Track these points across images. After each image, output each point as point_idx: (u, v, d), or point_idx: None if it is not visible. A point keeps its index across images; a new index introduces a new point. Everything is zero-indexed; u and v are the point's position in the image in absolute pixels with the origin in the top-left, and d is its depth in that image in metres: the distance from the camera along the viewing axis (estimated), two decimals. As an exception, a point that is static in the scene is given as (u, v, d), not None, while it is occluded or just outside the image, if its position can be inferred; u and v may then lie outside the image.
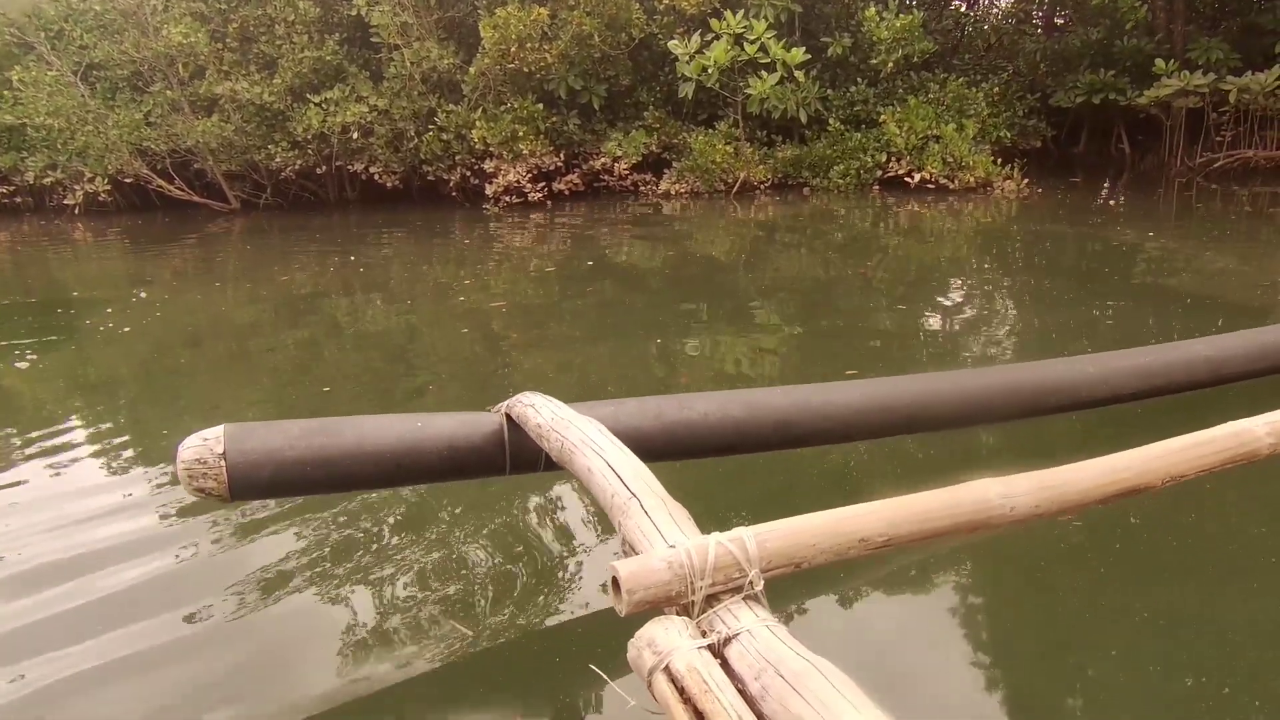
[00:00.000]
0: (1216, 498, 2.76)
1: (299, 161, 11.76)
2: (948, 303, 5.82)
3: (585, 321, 5.54)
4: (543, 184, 11.54)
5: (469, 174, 11.76)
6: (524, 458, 2.29)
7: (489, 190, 11.44)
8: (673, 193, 11.47)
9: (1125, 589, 2.39)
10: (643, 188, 11.88)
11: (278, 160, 11.69)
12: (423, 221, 10.74)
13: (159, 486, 3.22)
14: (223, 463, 2.03)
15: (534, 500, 2.97)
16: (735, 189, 11.33)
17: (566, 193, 11.72)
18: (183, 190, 12.23)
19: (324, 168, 12.16)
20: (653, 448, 2.10)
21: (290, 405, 4.09)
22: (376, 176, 11.93)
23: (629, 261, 7.74)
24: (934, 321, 5.35)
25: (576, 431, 1.98)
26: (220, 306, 6.49)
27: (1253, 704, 1.95)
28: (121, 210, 13.02)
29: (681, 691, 1.25)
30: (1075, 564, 2.54)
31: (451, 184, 11.90)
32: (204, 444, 2.05)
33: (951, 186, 10.51)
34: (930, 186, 10.62)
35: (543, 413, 2.14)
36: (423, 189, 12.50)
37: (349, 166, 12.04)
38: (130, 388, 4.62)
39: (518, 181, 11.32)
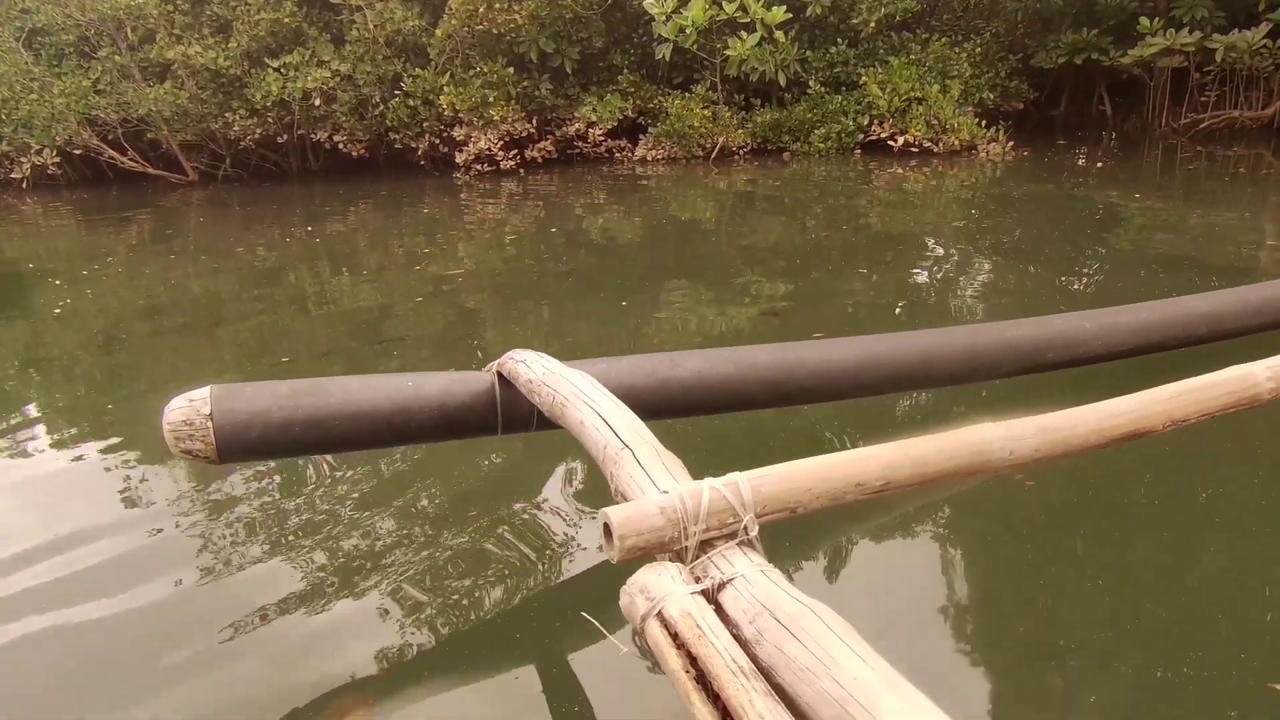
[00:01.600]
0: (1215, 446, 2.79)
1: (258, 130, 11.51)
2: (933, 267, 5.81)
3: (560, 291, 5.47)
4: (515, 151, 11.39)
5: (438, 142, 11.58)
6: (516, 417, 2.31)
7: (459, 158, 11.28)
8: (649, 159, 11.38)
9: (1121, 537, 2.42)
10: (618, 154, 11.76)
11: (236, 129, 11.43)
12: (391, 191, 10.58)
13: (111, 459, 3.15)
14: (209, 424, 2.03)
15: (525, 458, 2.98)
16: (713, 154, 11.26)
17: (539, 160, 11.58)
18: (136, 162, 11.94)
19: (285, 137, 11.92)
20: (645, 406, 2.10)
21: (253, 379, 3.97)
22: (341, 145, 11.71)
23: (605, 229, 7.66)
24: (919, 285, 5.34)
25: (568, 385, 1.97)
26: (178, 280, 6.34)
27: (1239, 646, 1.96)
28: (73, 184, 12.69)
29: (675, 637, 1.23)
30: (1072, 512, 2.56)
31: (420, 152, 11.71)
32: (190, 405, 2.05)
33: (936, 150, 10.50)
34: (914, 150, 10.61)
35: (534, 368, 2.15)
36: (390, 158, 12.30)
37: (312, 135, 11.81)
38: (84, 363, 4.50)
39: (489, 149, 11.17)
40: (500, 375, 2.30)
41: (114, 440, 3.36)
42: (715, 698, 1.16)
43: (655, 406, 2.33)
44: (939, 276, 5.50)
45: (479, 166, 11.26)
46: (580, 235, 7.42)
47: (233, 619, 2.18)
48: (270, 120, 11.44)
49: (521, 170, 11.34)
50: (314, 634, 2.14)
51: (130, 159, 11.87)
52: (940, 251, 6.16)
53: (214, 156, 12.36)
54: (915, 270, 5.66)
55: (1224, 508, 2.57)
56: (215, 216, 9.79)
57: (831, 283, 5.37)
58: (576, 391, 1.92)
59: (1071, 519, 2.53)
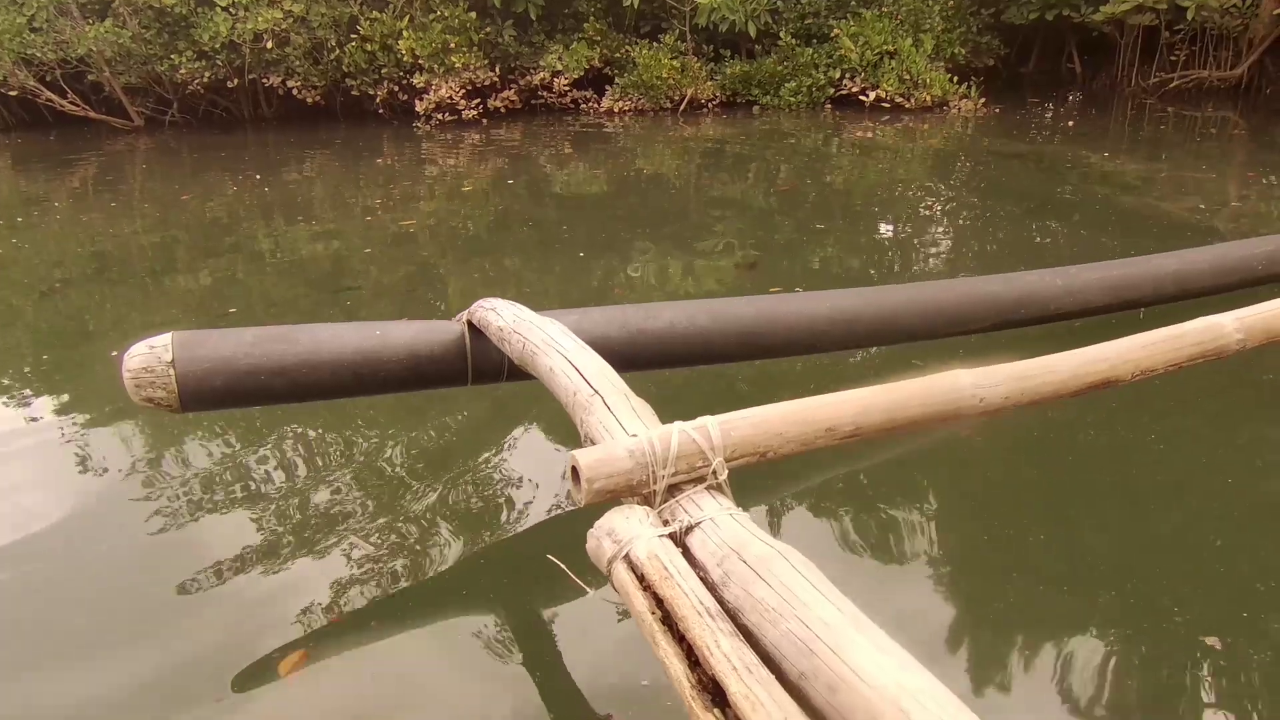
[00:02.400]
0: (1169, 401, 2.85)
1: (207, 74, 11.13)
2: (903, 224, 5.82)
3: (524, 245, 5.38)
4: (477, 101, 11.15)
5: (397, 89, 11.30)
6: (487, 367, 2.30)
7: (419, 107, 11.02)
8: (616, 110, 11.21)
9: (1077, 490, 2.47)
10: (584, 105, 11.58)
11: (183, 72, 11.03)
12: (348, 141, 10.31)
13: (48, 411, 3.07)
14: (171, 371, 2.00)
15: (495, 409, 2.99)
16: (682, 107, 11.12)
17: (503, 110, 11.36)
18: (77, 105, 11.48)
19: (236, 81, 11.54)
20: (618, 357, 2.09)
21: (198, 329, 3.87)
22: (295, 92, 11.38)
23: (570, 182, 7.56)
24: (888, 242, 5.35)
25: (539, 333, 1.96)
26: (125, 231, 6.14)
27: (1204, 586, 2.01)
28: (9, 128, 12.21)
29: (641, 579, 1.22)
30: (1041, 461, 2.62)
31: (378, 100, 11.42)
32: (150, 352, 2.01)
33: (907, 105, 10.47)
34: (885, 106, 10.57)
35: (504, 316, 2.13)
36: (347, 106, 11.97)
37: (264, 80, 11.45)
38: (22, 312, 4.35)
39: (450, 98, 10.92)
40: (470, 324, 2.28)
41: (52, 393, 3.26)
42: (681, 638, 1.15)
43: (629, 358, 2.32)
44: (908, 234, 5.51)
45: (440, 116, 11.01)
46: (544, 188, 7.31)
47: (183, 576, 2.14)
48: (219, 63, 11.06)
49: (484, 120, 11.12)
50: (270, 588, 2.11)
51: (70, 102, 11.42)
52: (910, 209, 6.16)
53: (160, 101, 11.94)
54: (884, 227, 5.66)
55: (1173, 462, 2.63)
56: (162, 164, 9.48)
57: (801, 239, 5.36)
58: (547, 339, 1.91)
59: (1033, 470, 2.59)
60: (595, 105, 11.47)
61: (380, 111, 11.58)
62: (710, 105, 11.35)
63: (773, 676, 1.07)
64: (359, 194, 7.22)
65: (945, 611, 2.00)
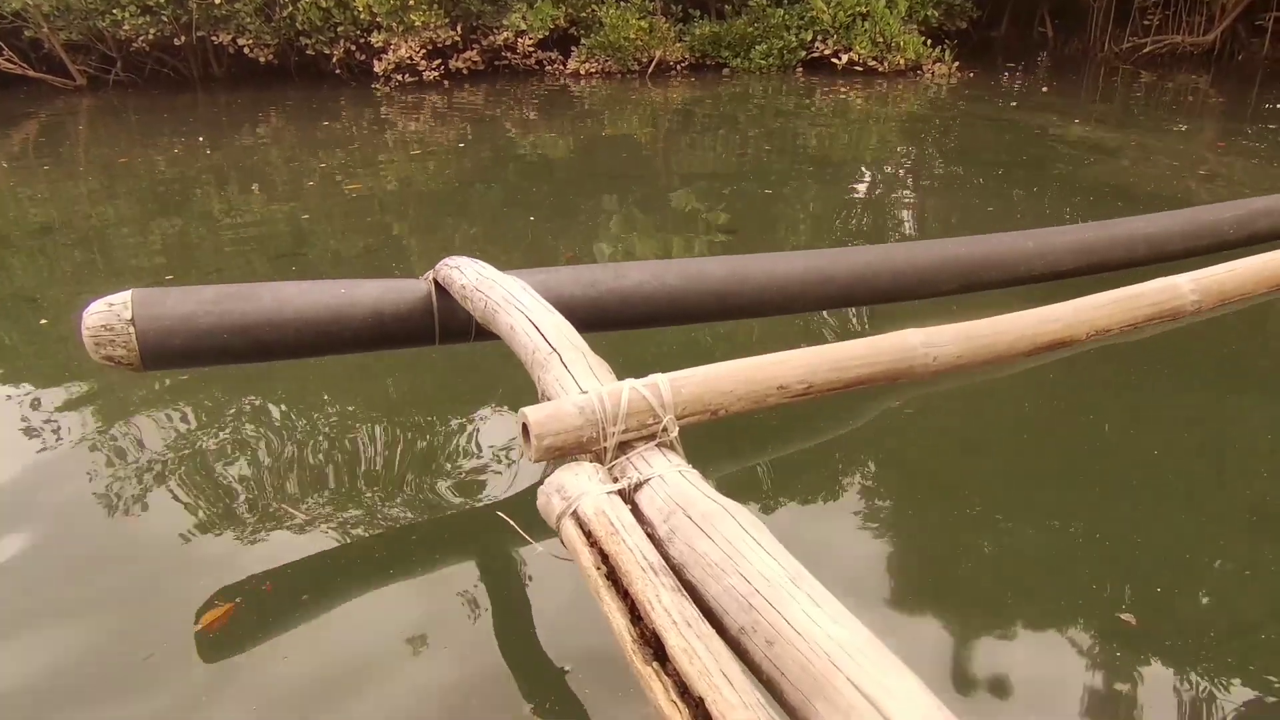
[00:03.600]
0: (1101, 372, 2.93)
1: (152, 30, 10.84)
2: (873, 190, 5.87)
3: (487, 211, 5.36)
4: (438, 62, 10.98)
5: (354, 49, 11.09)
6: (454, 326, 2.33)
7: (378, 68, 10.83)
8: (582, 73, 11.11)
9: (1039, 449, 2.56)
10: (549, 67, 11.46)
11: (126, 28, 10.73)
12: (303, 103, 10.12)
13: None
14: (131, 329, 2.01)
15: (458, 366, 3.04)
16: (650, 69, 11.05)
17: (465, 71, 11.21)
18: (14, 63, 11.14)
19: (183, 39, 11.25)
20: (586, 318, 2.14)
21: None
22: (247, 50, 11.12)
23: (535, 147, 7.50)
24: (858, 208, 5.39)
25: (500, 291, 2.00)
26: (69, 198, 6.01)
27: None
28: (-59, 87, 11.84)
29: (589, 535, 1.25)
30: (997, 422, 2.71)
31: (335, 60, 11.20)
32: (109, 309, 2.02)
33: (881, 69, 10.49)
34: (858, 69, 10.58)
35: (467, 274, 2.17)
36: (302, 65, 11.73)
37: (213, 38, 11.17)
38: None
39: (410, 58, 10.75)
40: (436, 283, 2.31)
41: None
42: (625, 593, 1.19)
43: (596, 317, 2.36)
44: (878, 200, 5.56)
45: (399, 77, 10.85)
46: (508, 152, 7.25)
47: (126, 541, 2.17)
48: (165, 19, 10.78)
49: (445, 82, 10.97)
50: (218, 548, 2.14)
51: (7, 60, 11.08)
52: (881, 175, 6.21)
53: (104, 59, 11.63)
54: (854, 193, 5.71)
55: (1101, 432, 2.70)
56: (110, 127, 9.26)
57: (771, 204, 5.38)
58: (508, 297, 1.95)
59: (1000, 427, 2.69)
60: (561, 67, 11.36)
61: (337, 72, 11.37)
62: (679, 68, 11.28)
63: (713, 631, 1.11)
64: (314, 158, 7.12)
65: (884, 567, 2.09)
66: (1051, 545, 2.13)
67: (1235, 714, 1.63)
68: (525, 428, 1.35)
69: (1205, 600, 1.95)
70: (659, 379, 1.45)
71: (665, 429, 1.43)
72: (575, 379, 1.51)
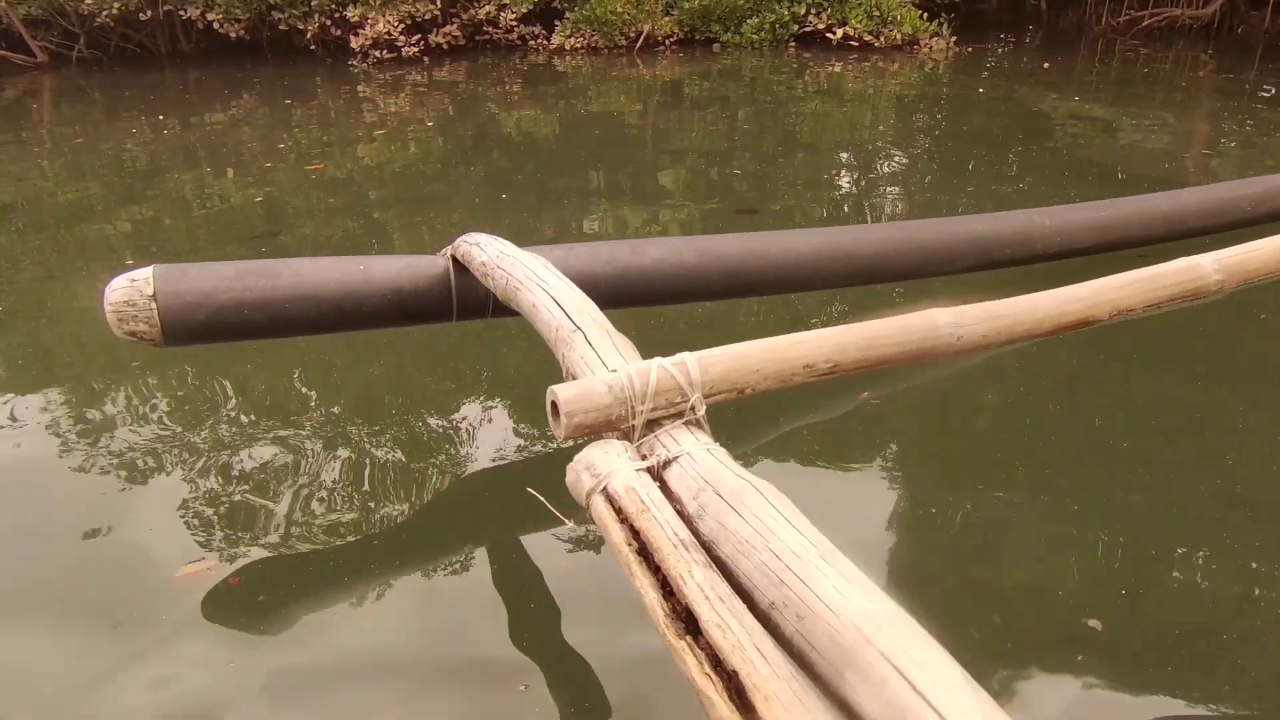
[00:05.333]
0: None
1: (116, 4, 10.70)
2: (870, 172, 5.89)
3: (471, 194, 5.34)
4: (418, 37, 10.91)
5: (329, 23, 10.99)
6: (471, 303, 2.39)
7: (354, 43, 10.74)
8: (567, 48, 11.07)
9: (1067, 428, 2.62)
10: (532, 42, 11.40)
11: (89, 2, 10.60)
12: (276, 81, 10.03)
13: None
14: (153, 304, 2.07)
15: (478, 344, 3.16)
16: (637, 45, 11.02)
17: (445, 47, 11.13)
18: (-29, 40, 11.00)
19: (149, 13, 11.12)
20: (603, 293, 2.18)
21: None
22: (217, 25, 11.00)
23: (519, 126, 7.48)
24: (856, 191, 5.41)
25: (521, 268, 2.02)
26: (34, 181, 5.94)
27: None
28: (-107, 65, 11.65)
29: (619, 512, 1.27)
30: (1020, 400, 2.78)
31: (309, 35, 11.10)
32: (131, 285, 2.08)
33: (876, 44, 10.50)
34: (853, 44, 10.59)
35: (488, 250, 2.19)
36: (275, 41, 11.61)
37: (181, 12, 11.05)
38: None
39: (388, 33, 10.66)
40: (454, 259, 2.35)
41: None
42: (656, 569, 1.21)
43: (614, 295, 2.40)
44: (871, 180, 5.59)
45: (377, 53, 10.76)
46: (491, 131, 7.23)
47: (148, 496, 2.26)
48: (130, -7, 10.65)
49: (426, 59, 10.89)
50: (249, 518, 2.23)
51: (-37, 36, 10.93)
52: (874, 154, 6.24)
53: (66, 35, 11.47)
54: (848, 173, 5.73)
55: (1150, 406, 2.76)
56: (75, 107, 9.14)
57: (761, 184, 5.39)
58: (530, 274, 1.97)
59: (1023, 404, 2.76)
60: (545, 43, 11.31)
61: (312, 48, 11.27)
62: (667, 43, 11.25)
63: (744, 606, 1.14)
64: (288, 138, 7.06)
65: (907, 544, 2.15)
66: (1087, 524, 2.17)
67: None
68: (554, 405, 1.37)
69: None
70: (687, 357, 1.47)
71: (693, 407, 1.45)
72: (600, 357, 1.54)
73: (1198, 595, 1.98)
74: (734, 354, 1.54)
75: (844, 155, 6.17)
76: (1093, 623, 1.87)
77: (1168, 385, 2.87)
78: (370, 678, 1.75)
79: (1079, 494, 2.31)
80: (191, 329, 2.14)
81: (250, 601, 1.96)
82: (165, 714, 1.67)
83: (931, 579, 2.03)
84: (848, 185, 5.42)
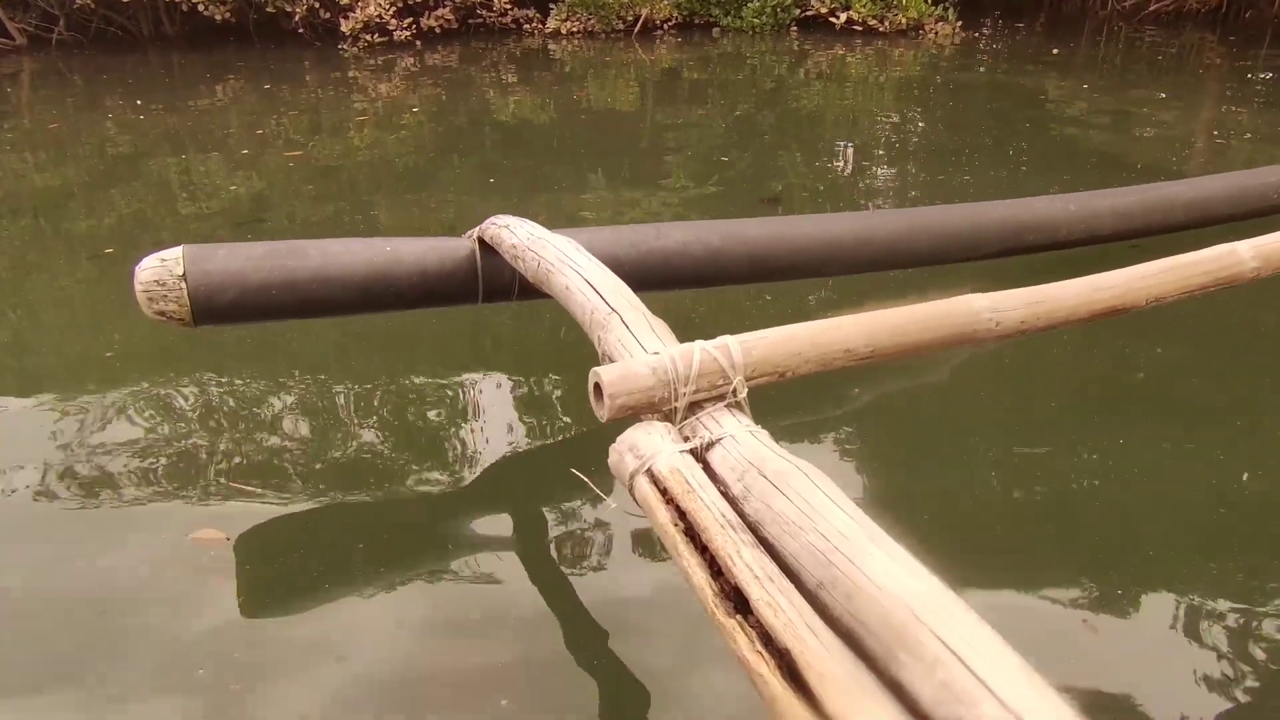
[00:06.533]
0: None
1: (98, -14, 10.62)
2: (869, 157, 5.90)
3: (464, 182, 5.31)
4: (410, 20, 10.86)
5: (318, 5, 10.92)
6: (497, 286, 2.45)
7: (344, 27, 10.68)
8: (563, 32, 11.03)
9: (1108, 407, 2.70)
10: (527, 26, 11.37)
11: (70, -16, 10.51)
12: (263, 65, 9.97)
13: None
14: (183, 284, 2.13)
15: (505, 328, 3.26)
16: (635, 29, 11.00)
17: (438, 31, 11.08)
18: (-54, 21, 10.89)
19: (132, -5, 11.04)
20: (626, 277, 2.19)
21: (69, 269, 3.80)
22: (201, 7, 10.92)
23: (514, 112, 7.45)
24: (851, 175, 5.42)
25: (553, 250, 2.03)
26: (13, 168, 5.89)
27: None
28: None
29: (664, 493, 1.29)
30: (1057, 382, 2.86)
31: (297, 18, 11.03)
32: (162, 265, 2.13)
33: (881, 29, 10.50)
34: (857, 29, 10.58)
35: (518, 233, 2.22)
36: (262, 24, 11.54)
37: (164, -6, 10.98)
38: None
39: (379, 16, 10.61)
40: (481, 241, 2.40)
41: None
42: (703, 549, 1.23)
43: (638, 278, 2.43)
44: (873, 169, 5.60)
45: (368, 37, 10.71)
46: (485, 118, 7.20)
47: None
48: (112, -26, 10.56)
49: (418, 43, 10.84)
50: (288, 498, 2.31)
51: (-62, 18, 10.83)
52: (877, 141, 6.24)
53: (45, 17, 11.37)
54: (850, 160, 5.73)
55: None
56: (55, 92, 9.05)
57: (762, 174, 5.39)
58: (562, 256, 1.98)
59: (1060, 386, 2.84)
60: (539, 26, 11.27)
61: (300, 32, 11.19)
62: (666, 27, 11.23)
63: (793, 586, 1.16)
64: (283, 126, 7.01)
65: (948, 528, 2.20)
66: (1137, 507, 2.22)
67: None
68: (598, 387, 1.38)
69: None
70: (729, 340, 1.48)
71: (734, 390, 1.45)
72: (638, 339, 1.54)
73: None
74: (776, 337, 1.54)
75: (844, 141, 6.16)
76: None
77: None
78: (408, 654, 1.80)
79: (1141, 477, 2.35)
80: (220, 309, 2.19)
81: (282, 576, 2.02)
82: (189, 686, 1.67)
83: (971, 565, 2.05)
84: (847, 173, 5.42)
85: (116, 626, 1.86)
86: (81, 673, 1.74)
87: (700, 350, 1.43)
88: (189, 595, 1.95)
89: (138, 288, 2.14)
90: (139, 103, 7.79)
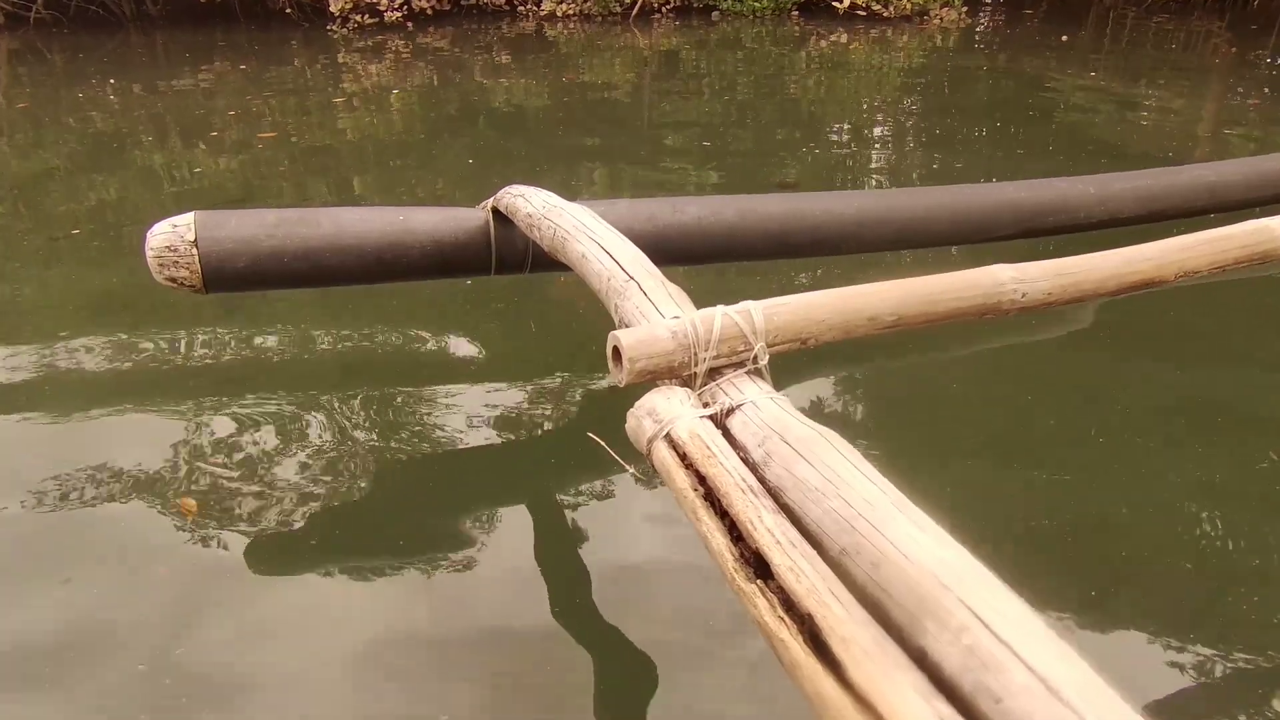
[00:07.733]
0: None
1: (77, -37, 10.53)
2: (870, 143, 5.88)
3: (459, 167, 5.26)
4: (401, 1, 10.79)
5: (306, -15, 10.86)
6: (511, 257, 2.46)
7: (333, 7, 10.62)
8: (558, 14, 10.98)
9: (1130, 384, 2.71)
10: (521, 8, 11.31)
11: (49, -39, 10.41)
12: (249, 47, 9.89)
13: None
14: (195, 250, 2.13)
15: (518, 298, 3.26)
16: (633, 12, 10.95)
17: (429, 12, 11.02)
18: (-80, -1, 10.78)
19: (112, -27, 10.95)
20: (643, 250, 2.13)
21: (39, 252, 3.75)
22: (184, -14, 10.85)
23: (508, 96, 7.40)
24: (852, 162, 5.39)
25: (570, 219, 2.03)
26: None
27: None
28: None
29: (683, 458, 1.27)
30: (1084, 357, 2.87)
31: (283, -2, 10.97)
32: (173, 230, 2.14)
33: (885, 14, 10.47)
34: (860, 13, 10.55)
35: (534, 202, 2.22)
36: (247, 5, 11.45)
37: (146, -28, 10.88)
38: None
39: (369, -4, 10.54)
40: (496, 212, 2.40)
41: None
42: (723, 515, 1.22)
43: (653, 251, 2.42)
44: (874, 155, 5.58)
45: (358, 18, 10.63)
46: (478, 102, 7.15)
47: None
48: (93, -49, 10.46)
49: (409, 24, 10.77)
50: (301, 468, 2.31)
51: (-88, -5, 10.71)
52: (878, 128, 6.22)
53: (22, -4, 11.27)
54: (852, 147, 5.71)
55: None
56: (34, 73, 8.96)
57: (762, 159, 5.36)
58: (579, 225, 1.98)
59: (1087, 361, 2.86)
60: (534, 8, 11.21)
61: (288, 11, 11.11)
62: (664, 10, 11.19)
63: (815, 552, 1.14)
64: (271, 110, 6.93)
65: (970, 497, 2.22)
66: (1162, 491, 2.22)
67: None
68: (616, 350, 1.36)
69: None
70: (751, 306, 1.45)
71: (755, 357, 1.42)
72: (656, 306, 1.52)
73: None
74: (799, 304, 1.51)
75: (843, 126, 6.14)
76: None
77: None
78: (427, 616, 1.82)
79: (1157, 463, 2.34)
80: (232, 276, 2.20)
81: (301, 546, 2.03)
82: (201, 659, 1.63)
83: (993, 538, 2.03)
84: (847, 157, 5.39)
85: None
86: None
87: (722, 315, 1.40)
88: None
89: (149, 253, 2.14)
90: (124, 84, 7.72)
